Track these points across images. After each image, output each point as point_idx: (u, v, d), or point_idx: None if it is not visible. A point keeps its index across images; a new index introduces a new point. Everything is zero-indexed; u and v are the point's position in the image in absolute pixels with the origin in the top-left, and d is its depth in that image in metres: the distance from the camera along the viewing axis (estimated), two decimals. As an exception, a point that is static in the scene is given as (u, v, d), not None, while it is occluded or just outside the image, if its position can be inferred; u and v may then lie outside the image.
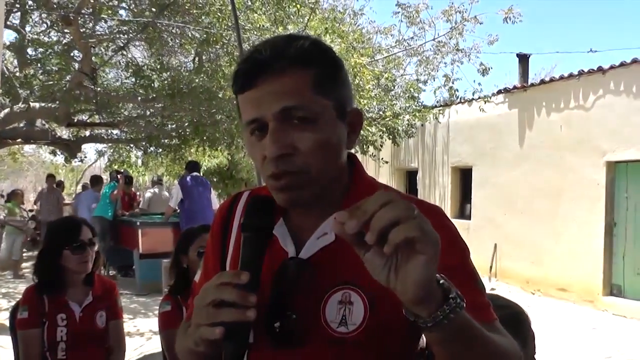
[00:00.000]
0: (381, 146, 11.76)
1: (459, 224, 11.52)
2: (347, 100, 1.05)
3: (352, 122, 1.06)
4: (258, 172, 1.07)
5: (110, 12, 8.04)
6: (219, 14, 7.85)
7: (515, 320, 1.30)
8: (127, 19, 8.17)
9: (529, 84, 10.38)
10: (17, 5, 8.25)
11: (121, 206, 9.84)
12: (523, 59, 11.42)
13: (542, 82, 9.98)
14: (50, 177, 13.30)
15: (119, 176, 9.90)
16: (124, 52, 8.88)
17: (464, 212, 11.89)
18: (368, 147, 10.98)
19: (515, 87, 10.41)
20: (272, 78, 0.96)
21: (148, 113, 10.06)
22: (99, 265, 2.75)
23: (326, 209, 1.02)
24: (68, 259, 2.53)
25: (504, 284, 10.08)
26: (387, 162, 12.79)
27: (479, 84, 11.26)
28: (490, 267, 10.53)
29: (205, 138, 9.65)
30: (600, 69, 8.48)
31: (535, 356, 1.32)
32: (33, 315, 2.50)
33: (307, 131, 0.97)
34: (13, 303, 6.79)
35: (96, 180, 10.76)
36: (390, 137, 11.26)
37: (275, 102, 0.95)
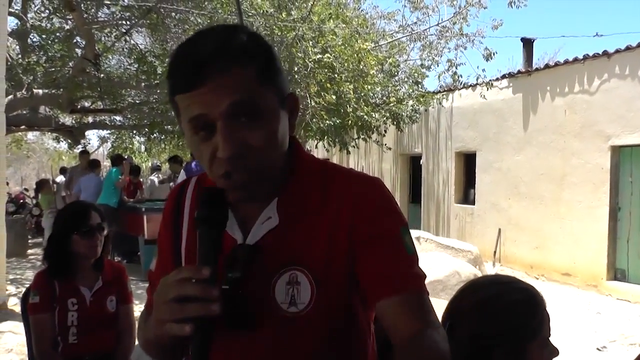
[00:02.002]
0: (385, 132, 11.74)
1: (462, 209, 11.59)
2: (284, 86, 1.05)
3: (290, 108, 1.07)
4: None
5: (113, -3, 8.01)
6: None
7: (532, 303, 1.31)
8: (129, 4, 8.13)
9: (533, 68, 10.33)
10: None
11: (126, 194, 9.82)
12: (527, 43, 11.35)
13: (547, 66, 9.94)
14: (84, 154, 11.12)
15: (123, 162, 9.86)
16: (127, 39, 8.85)
17: (467, 197, 11.89)
18: (372, 132, 10.96)
19: (519, 72, 10.36)
20: (217, 76, 0.93)
21: (151, 99, 10.04)
22: (109, 250, 2.74)
23: (270, 193, 1.06)
24: (77, 244, 2.53)
25: (507, 269, 10.10)
26: (390, 149, 12.79)
27: (483, 70, 11.18)
28: (494, 252, 10.55)
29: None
30: (605, 53, 8.43)
31: (550, 338, 1.32)
32: (44, 300, 2.50)
33: (256, 127, 0.96)
34: (21, 289, 6.86)
35: (95, 163, 10.29)
36: (394, 122, 11.24)
37: (223, 99, 0.94)
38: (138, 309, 6.75)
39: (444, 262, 7.89)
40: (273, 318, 1.02)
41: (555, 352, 1.30)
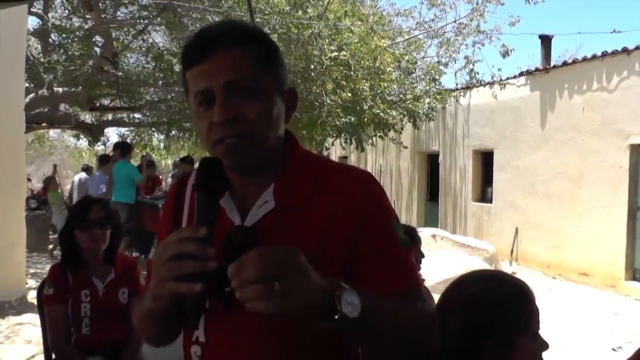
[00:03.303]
0: (402, 129, 11.70)
1: (480, 207, 11.53)
2: (284, 79, 1.16)
3: (288, 100, 1.17)
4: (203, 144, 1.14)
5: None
6: (238, -2, 7.88)
7: (521, 297, 1.33)
8: (147, 3, 8.23)
9: (552, 65, 10.23)
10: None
11: (144, 191, 9.88)
12: (545, 40, 11.23)
13: (565, 63, 9.83)
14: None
15: (141, 159, 9.87)
16: (145, 37, 8.96)
17: (485, 196, 11.83)
18: (388, 130, 10.94)
19: (537, 69, 10.27)
20: (220, 52, 1.06)
21: (169, 97, 10.15)
22: (119, 244, 2.80)
23: (266, 178, 1.13)
24: (79, 238, 2.62)
25: (525, 268, 10.04)
26: (406, 147, 12.77)
27: (499, 69, 11.14)
28: (512, 251, 10.48)
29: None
30: (624, 50, 8.31)
31: (540, 332, 1.34)
32: (58, 291, 2.58)
33: (252, 100, 1.07)
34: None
35: (105, 160, 9.86)
36: (411, 120, 11.21)
37: (223, 73, 1.05)
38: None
39: (459, 261, 7.87)
40: None
41: (545, 346, 1.32)
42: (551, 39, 11.29)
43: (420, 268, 3.01)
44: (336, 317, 0.91)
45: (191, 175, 1.26)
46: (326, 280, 0.93)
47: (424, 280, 3.03)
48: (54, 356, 2.67)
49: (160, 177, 14.07)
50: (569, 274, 9.23)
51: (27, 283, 6.66)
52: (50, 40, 9.45)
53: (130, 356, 2.65)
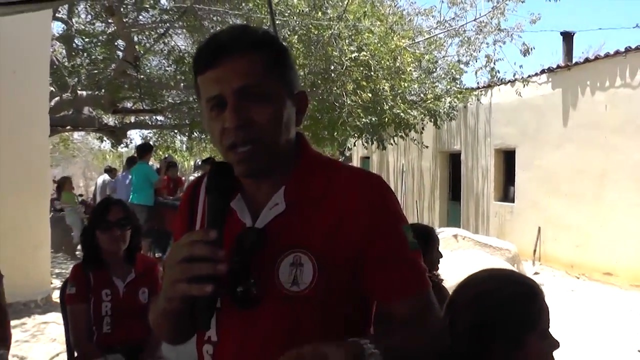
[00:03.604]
0: (423, 129, 11.68)
1: (502, 206, 11.43)
2: (294, 82, 1.18)
3: (299, 103, 1.18)
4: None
5: (151, 0, 8.22)
6: (258, 0, 7.93)
7: (530, 295, 1.33)
8: (168, 7, 8.33)
9: (573, 62, 10.11)
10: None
11: (166, 192, 9.96)
12: (567, 37, 11.09)
13: (587, 60, 9.71)
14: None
15: (160, 162, 9.95)
16: (166, 41, 9.07)
17: (507, 195, 11.73)
18: (409, 130, 10.91)
19: (558, 67, 10.16)
20: (231, 59, 1.08)
21: (191, 99, 10.25)
22: (139, 245, 2.85)
23: (277, 181, 1.16)
24: (100, 239, 2.68)
25: (547, 268, 9.93)
26: (427, 147, 12.71)
27: (520, 66, 11.02)
28: (534, 251, 10.37)
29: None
30: (649, 45, 8.20)
31: (550, 330, 1.34)
32: (80, 291, 2.64)
33: (262, 106, 1.09)
34: (65, 283, 7.13)
35: (133, 161, 9.90)
36: (432, 119, 11.16)
37: (234, 80, 1.07)
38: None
39: (481, 261, 7.79)
40: (275, 296, 1.09)
41: (556, 345, 1.32)
42: (573, 35, 11.14)
43: (438, 268, 3.00)
44: None
45: (205, 177, 1.29)
46: (349, 347, 0.94)
47: (442, 280, 3.05)
48: (76, 354, 2.73)
49: (183, 178, 14.17)
50: (593, 273, 9.11)
51: (52, 283, 6.79)
52: (74, 44, 9.61)
53: (149, 354, 2.70)
